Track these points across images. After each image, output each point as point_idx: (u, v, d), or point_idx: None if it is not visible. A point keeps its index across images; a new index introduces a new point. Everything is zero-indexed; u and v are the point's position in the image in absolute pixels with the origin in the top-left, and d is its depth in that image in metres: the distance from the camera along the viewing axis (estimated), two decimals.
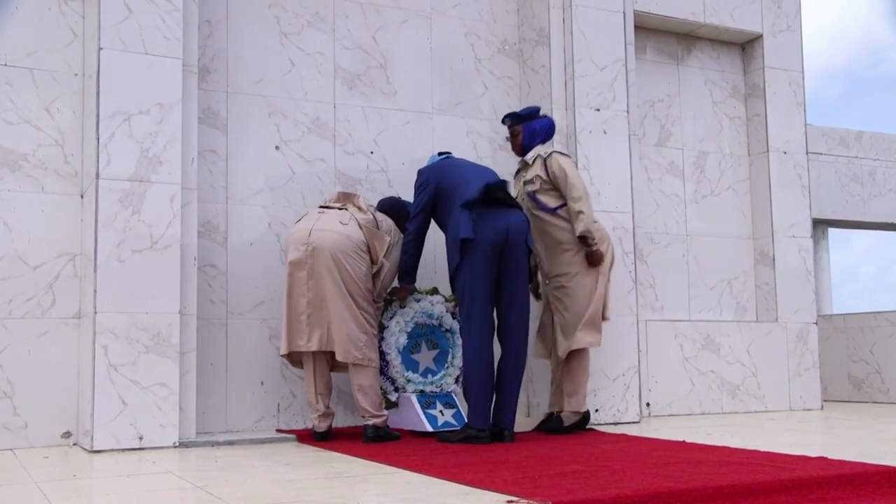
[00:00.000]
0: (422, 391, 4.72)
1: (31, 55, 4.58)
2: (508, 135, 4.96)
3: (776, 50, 6.48)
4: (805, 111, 6.55)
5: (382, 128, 5.38)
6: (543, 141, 4.87)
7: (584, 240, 4.64)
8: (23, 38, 4.57)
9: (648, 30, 6.23)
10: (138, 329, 4.21)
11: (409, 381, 4.71)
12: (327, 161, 5.16)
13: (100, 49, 4.29)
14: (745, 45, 6.61)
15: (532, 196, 4.76)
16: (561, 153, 4.78)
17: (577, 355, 4.72)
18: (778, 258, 6.31)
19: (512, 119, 4.90)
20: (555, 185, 4.71)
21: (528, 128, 4.85)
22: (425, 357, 4.84)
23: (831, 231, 11.17)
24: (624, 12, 5.72)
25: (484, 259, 4.23)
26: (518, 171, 4.98)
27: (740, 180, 6.53)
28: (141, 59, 4.36)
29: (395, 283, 4.67)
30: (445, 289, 5.15)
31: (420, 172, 4.65)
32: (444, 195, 4.47)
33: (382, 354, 4.71)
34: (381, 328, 4.74)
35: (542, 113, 4.99)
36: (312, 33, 5.25)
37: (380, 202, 4.82)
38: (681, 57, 6.46)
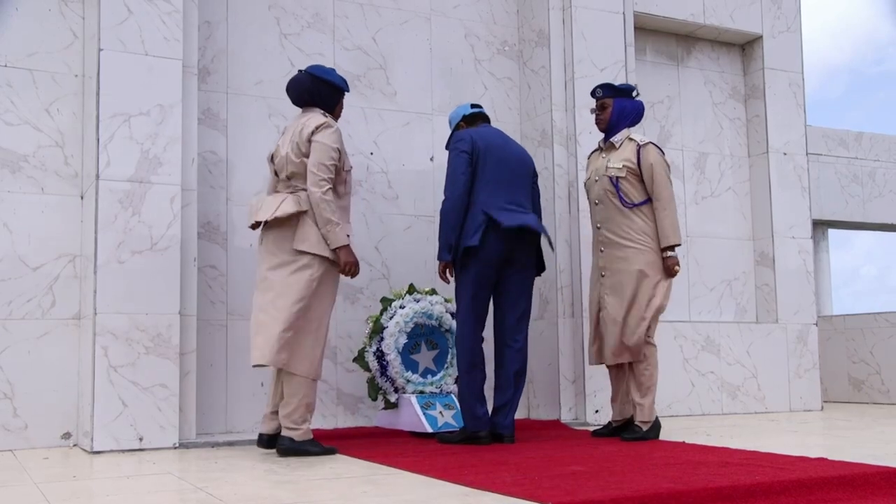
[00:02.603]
0: (421, 392, 4.72)
1: (31, 56, 4.58)
2: (595, 107, 4.67)
3: (776, 51, 6.49)
4: (805, 112, 6.55)
5: (382, 129, 5.38)
6: (631, 124, 4.61)
7: (669, 246, 4.39)
8: (23, 40, 4.58)
9: (648, 31, 6.23)
10: (138, 330, 4.21)
11: (408, 381, 4.71)
12: None
13: (100, 50, 4.30)
14: (744, 46, 6.62)
15: (614, 182, 4.48)
16: (657, 146, 4.52)
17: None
18: (778, 259, 6.31)
19: (604, 90, 4.62)
20: (643, 177, 4.44)
21: (619, 104, 4.59)
22: (425, 357, 4.85)
23: (833, 231, 11.19)
24: (624, 13, 5.72)
25: (486, 268, 4.21)
26: (597, 150, 4.71)
27: (740, 181, 6.53)
28: (141, 61, 4.36)
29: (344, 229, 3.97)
30: (444, 289, 5.15)
31: (460, 138, 4.34)
32: (477, 172, 4.27)
33: (382, 354, 4.71)
34: (381, 328, 4.75)
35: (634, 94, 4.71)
36: (312, 34, 5.25)
37: (291, 90, 4.11)
38: (680, 58, 6.46)
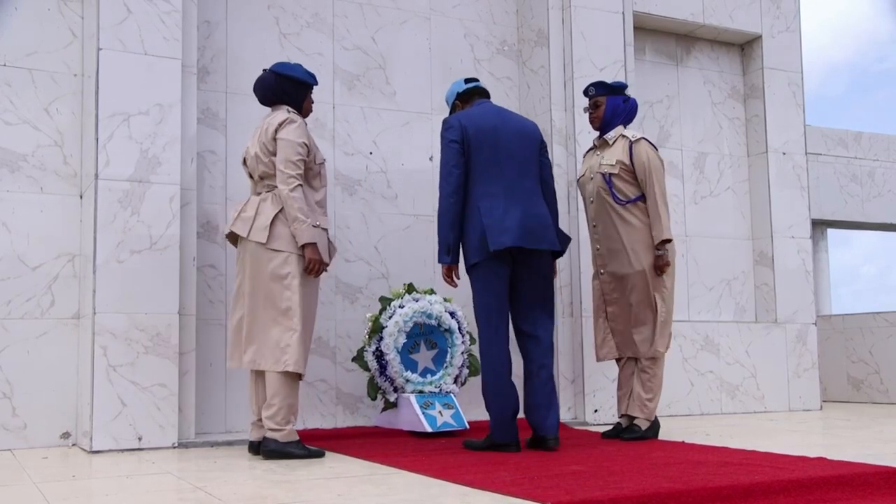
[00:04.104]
0: (420, 391, 4.72)
1: (30, 56, 4.58)
2: (588, 105, 4.63)
3: (775, 51, 6.49)
4: (804, 112, 6.55)
5: (382, 128, 5.38)
6: (625, 122, 4.57)
7: (660, 242, 4.35)
8: (22, 39, 4.58)
9: (647, 30, 6.23)
10: (137, 330, 4.21)
11: (407, 381, 4.71)
12: (326, 162, 5.15)
13: (99, 49, 4.30)
14: (744, 46, 6.62)
15: (607, 180, 4.44)
16: (650, 142, 4.47)
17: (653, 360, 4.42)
18: (777, 259, 6.31)
19: (597, 89, 4.56)
20: (636, 174, 4.41)
21: (613, 102, 4.53)
22: (424, 357, 4.84)
23: (833, 231, 11.19)
24: (623, 13, 5.72)
25: (496, 263, 3.88)
26: (592, 149, 4.67)
27: (739, 181, 6.54)
28: (140, 60, 4.36)
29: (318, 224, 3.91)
30: (444, 289, 5.15)
31: (449, 125, 4.01)
32: (471, 161, 3.95)
33: (381, 354, 4.71)
34: (380, 328, 4.75)
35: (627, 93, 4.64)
36: (312, 34, 5.25)
37: (257, 90, 4.07)
38: (680, 58, 6.46)
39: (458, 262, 4.00)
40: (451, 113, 4.27)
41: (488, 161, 3.96)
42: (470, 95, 4.23)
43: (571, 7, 5.53)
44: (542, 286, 4.02)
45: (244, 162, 4.09)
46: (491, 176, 3.95)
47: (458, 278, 4.07)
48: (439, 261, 4.02)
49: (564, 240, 4.17)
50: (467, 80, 4.27)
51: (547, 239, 3.98)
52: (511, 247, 3.86)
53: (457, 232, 3.95)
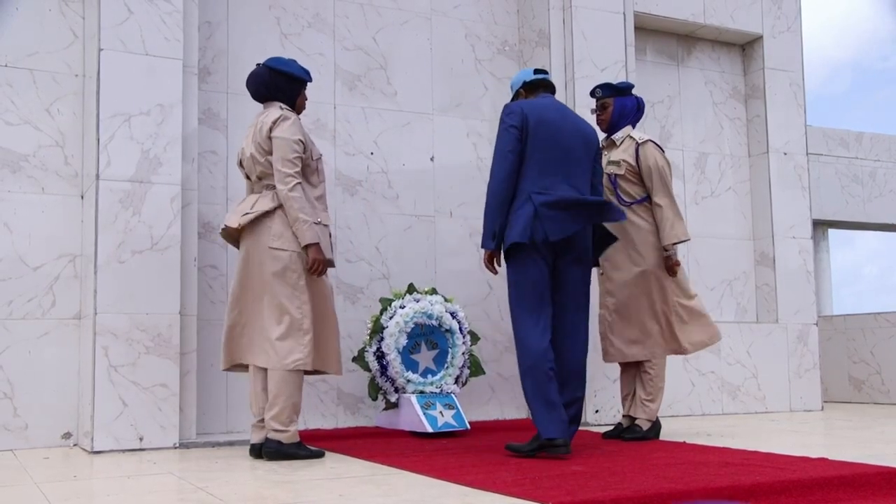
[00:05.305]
0: (421, 392, 4.72)
1: (31, 56, 4.58)
2: (595, 107, 4.65)
3: (776, 51, 6.49)
4: (805, 112, 6.55)
5: (383, 128, 5.38)
6: (633, 123, 4.59)
7: (671, 244, 4.36)
8: (23, 39, 4.58)
9: (649, 31, 6.23)
10: (139, 330, 4.21)
11: (408, 381, 4.71)
12: (327, 162, 5.15)
13: (100, 50, 4.30)
14: (745, 47, 6.61)
15: (613, 181, 4.46)
16: (657, 144, 4.48)
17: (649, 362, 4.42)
18: (778, 259, 6.31)
19: (604, 90, 4.59)
20: (642, 176, 4.44)
21: (620, 102, 4.55)
22: (425, 357, 4.84)
23: (834, 231, 11.19)
24: (624, 13, 5.72)
25: (538, 257, 3.74)
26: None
27: (740, 181, 6.53)
28: (141, 60, 4.36)
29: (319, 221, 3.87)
30: (445, 289, 5.15)
31: (510, 111, 3.88)
32: (527, 150, 3.82)
33: (382, 355, 4.71)
34: (381, 328, 4.75)
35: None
36: (313, 34, 5.25)
37: (249, 84, 4.03)
38: (681, 58, 6.46)
39: (500, 248, 3.82)
40: (513, 100, 4.15)
41: (545, 153, 3.83)
42: (535, 87, 4.10)
43: (572, 7, 5.53)
44: (580, 286, 3.90)
45: (240, 163, 4.05)
46: (547, 169, 3.82)
47: (500, 265, 3.91)
48: (483, 245, 3.84)
49: (611, 238, 4.08)
50: (536, 71, 4.14)
51: (598, 216, 3.88)
52: (561, 238, 3.73)
53: (504, 218, 3.79)
